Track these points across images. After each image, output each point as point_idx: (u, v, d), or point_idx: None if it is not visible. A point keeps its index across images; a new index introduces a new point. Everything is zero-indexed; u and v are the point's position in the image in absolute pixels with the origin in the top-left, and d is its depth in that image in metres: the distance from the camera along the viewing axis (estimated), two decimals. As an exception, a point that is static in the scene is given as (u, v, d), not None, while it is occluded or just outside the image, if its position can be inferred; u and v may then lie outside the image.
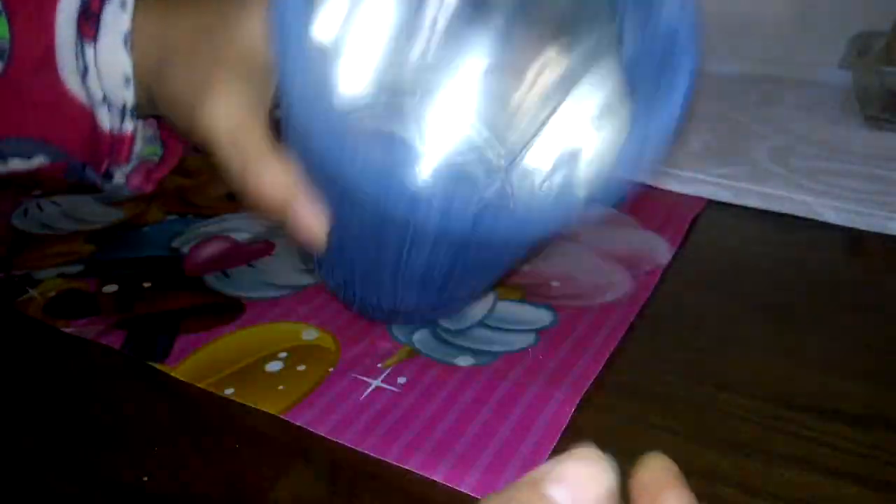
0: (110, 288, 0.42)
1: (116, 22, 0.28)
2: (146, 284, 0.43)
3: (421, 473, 0.29)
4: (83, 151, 0.30)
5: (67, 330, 0.38)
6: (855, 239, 0.50)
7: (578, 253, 0.46)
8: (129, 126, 0.30)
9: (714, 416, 0.33)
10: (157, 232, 0.49)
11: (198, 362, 0.36)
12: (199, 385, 0.34)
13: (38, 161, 0.30)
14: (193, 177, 0.61)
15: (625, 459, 0.30)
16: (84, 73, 0.28)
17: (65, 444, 0.31)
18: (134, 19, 0.29)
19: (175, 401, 0.34)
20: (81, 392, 0.35)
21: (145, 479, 0.29)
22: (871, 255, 0.49)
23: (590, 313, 0.40)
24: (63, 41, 0.28)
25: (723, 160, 0.60)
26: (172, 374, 0.35)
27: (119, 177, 0.32)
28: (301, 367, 0.35)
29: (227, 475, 0.30)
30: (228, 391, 0.34)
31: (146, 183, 0.33)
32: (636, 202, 0.54)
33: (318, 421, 0.32)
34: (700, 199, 0.55)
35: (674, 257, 0.46)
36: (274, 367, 0.35)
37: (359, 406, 0.33)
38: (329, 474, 0.30)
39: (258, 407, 0.33)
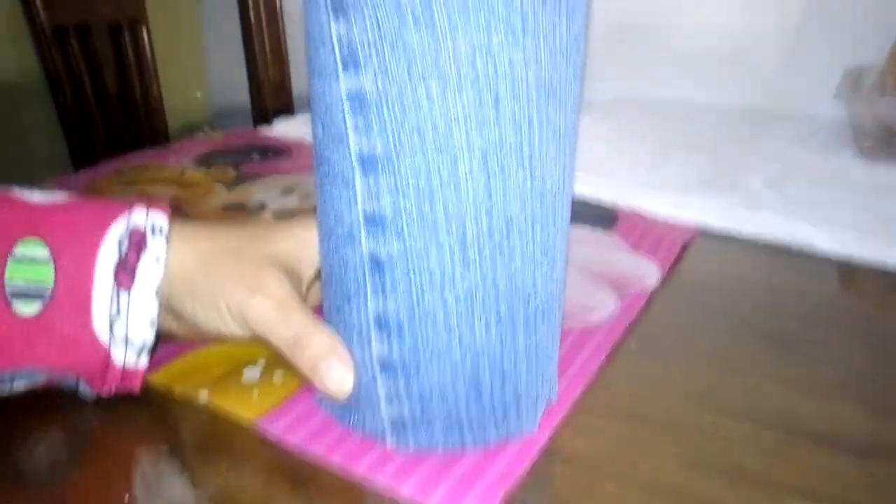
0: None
1: (151, 274, 0.31)
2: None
3: (390, 487, 0.27)
4: (92, 378, 0.31)
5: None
6: (850, 269, 0.48)
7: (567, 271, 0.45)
8: (144, 361, 0.32)
9: (715, 442, 0.31)
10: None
11: (176, 369, 0.34)
12: (174, 388, 0.33)
13: (42, 379, 0.31)
14: (189, 188, 0.59)
15: (620, 483, 0.28)
16: (115, 317, 0.31)
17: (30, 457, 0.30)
18: (176, 234, 0.33)
19: (150, 408, 0.32)
20: (55, 400, 0.33)
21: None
22: (866, 286, 0.47)
23: (573, 333, 0.38)
24: (99, 288, 0.30)
25: (718, 188, 0.58)
26: (150, 378, 0.33)
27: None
28: (278, 377, 0.34)
29: (196, 486, 0.28)
30: (202, 395, 0.32)
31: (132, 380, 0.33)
32: (627, 225, 0.52)
33: (288, 430, 0.30)
34: (692, 225, 0.53)
35: (663, 281, 0.45)
36: (251, 374, 0.34)
37: (330, 419, 0.31)
38: (296, 485, 0.28)
39: (230, 411, 0.31)
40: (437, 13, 0.23)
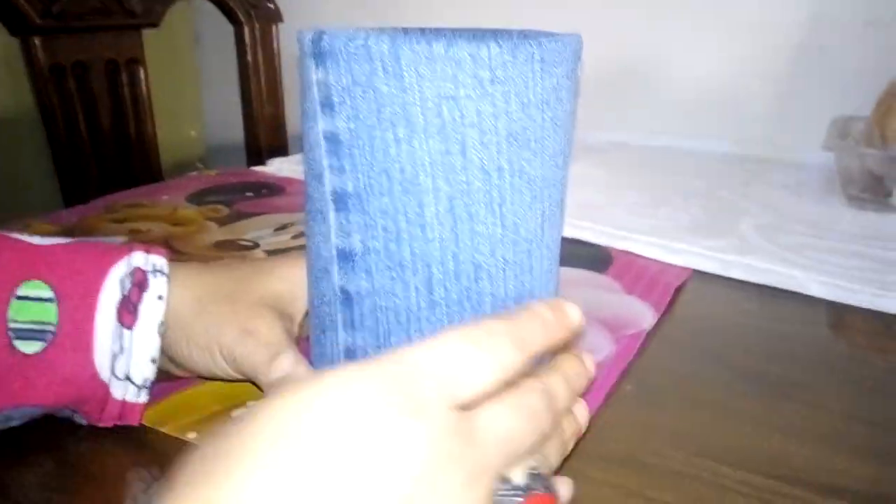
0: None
1: (154, 312, 0.31)
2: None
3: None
4: (90, 412, 0.32)
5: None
6: (841, 314, 0.49)
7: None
8: (143, 398, 0.32)
9: (711, 490, 0.30)
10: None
11: (166, 408, 0.34)
12: (162, 429, 0.32)
13: (38, 415, 0.31)
14: (182, 225, 0.59)
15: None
16: (117, 355, 0.31)
17: (22, 487, 0.29)
18: (173, 277, 0.33)
19: (139, 447, 0.32)
20: (45, 435, 0.32)
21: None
22: (857, 331, 0.47)
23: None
24: (102, 327, 0.30)
25: (710, 233, 0.59)
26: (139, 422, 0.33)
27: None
28: (269, 418, 0.33)
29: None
30: (191, 435, 0.32)
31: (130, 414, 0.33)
32: (621, 267, 0.52)
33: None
34: (685, 269, 0.53)
35: (659, 326, 0.44)
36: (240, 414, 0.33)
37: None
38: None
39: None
40: (405, 63, 0.24)
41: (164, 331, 0.32)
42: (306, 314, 0.35)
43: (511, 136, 0.25)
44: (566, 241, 0.59)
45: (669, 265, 0.54)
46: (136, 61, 0.97)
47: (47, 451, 0.31)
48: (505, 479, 0.21)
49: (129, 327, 0.31)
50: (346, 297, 0.27)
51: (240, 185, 0.72)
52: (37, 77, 0.88)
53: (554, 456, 0.25)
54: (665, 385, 0.39)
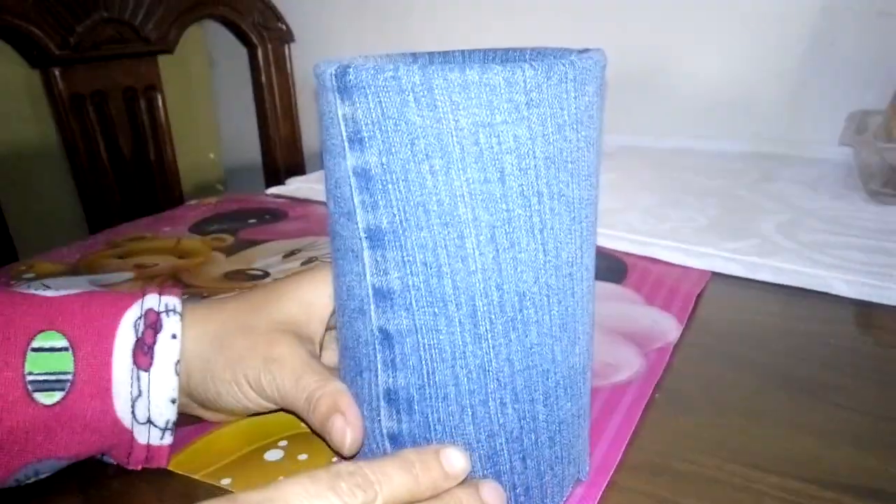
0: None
1: (169, 351, 0.30)
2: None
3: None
4: (117, 457, 0.31)
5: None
6: (868, 312, 0.46)
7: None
8: (167, 440, 0.31)
9: (750, 497, 0.29)
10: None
11: (194, 453, 0.32)
12: (194, 476, 0.31)
13: (64, 465, 0.31)
14: (189, 257, 0.58)
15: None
16: (136, 398, 0.30)
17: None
18: (187, 317, 0.32)
19: (171, 495, 0.30)
20: (72, 488, 0.31)
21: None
22: (885, 329, 0.45)
23: (602, 394, 0.36)
24: (119, 371, 0.30)
25: (731, 235, 0.57)
26: (168, 467, 0.31)
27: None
28: (302, 457, 0.32)
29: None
30: (225, 481, 0.30)
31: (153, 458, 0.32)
32: (638, 277, 0.51)
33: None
34: (703, 273, 0.51)
35: (684, 333, 0.43)
36: (274, 456, 0.32)
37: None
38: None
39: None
40: (438, 92, 0.22)
41: (181, 370, 0.31)
42: (328, 331, 0.34)
43: (548, 160, 0.24)
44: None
45: (687, 270, 0.52)
46: (153, 88, 0.96)
47: (76, 492, 0.30)
48: None
49: (146, 369, 0.30)
50: (386, 337, 0.26)
51: (242, 213, 0.70)
52: (57, 107, 0.88)
53: None
54: (694, 391, 0.37)
